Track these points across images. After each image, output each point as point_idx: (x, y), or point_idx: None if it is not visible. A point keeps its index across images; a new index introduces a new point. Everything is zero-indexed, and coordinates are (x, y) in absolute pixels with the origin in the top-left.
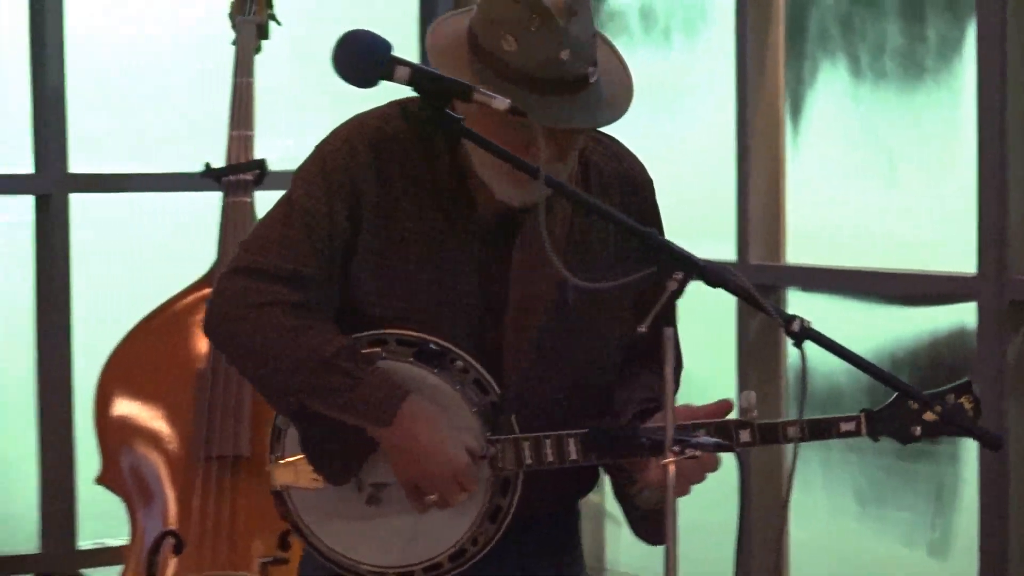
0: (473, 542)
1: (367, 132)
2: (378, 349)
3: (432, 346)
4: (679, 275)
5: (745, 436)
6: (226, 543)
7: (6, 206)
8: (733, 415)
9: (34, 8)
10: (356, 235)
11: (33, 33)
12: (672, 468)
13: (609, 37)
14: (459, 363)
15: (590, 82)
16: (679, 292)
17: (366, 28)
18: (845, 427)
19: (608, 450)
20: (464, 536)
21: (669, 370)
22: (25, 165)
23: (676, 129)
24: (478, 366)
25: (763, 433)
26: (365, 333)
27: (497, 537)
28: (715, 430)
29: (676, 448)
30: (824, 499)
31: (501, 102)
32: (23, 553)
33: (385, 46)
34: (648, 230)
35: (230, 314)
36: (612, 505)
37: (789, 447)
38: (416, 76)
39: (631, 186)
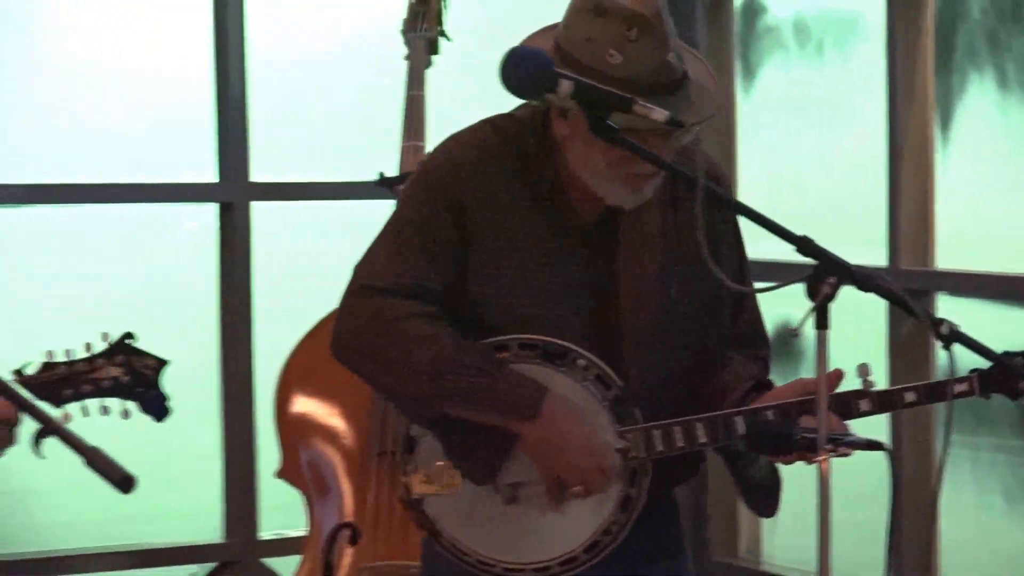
0: (606, 532)
1: (465, 150)
2: (506, 355)
3: (553, 347)
4: (832, 280)
5: (865, 405)
6: (399, 534)
7: (192, 213)
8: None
9: (218, 25)
10: (466, 248)
11: (217, 49)
12: (826, 466)
13: (765, 52)
14: (581, 361)
15: (688, 77)
16: (832, 296)
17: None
18: (959, 388)
19: (764, 443)
20: (599, 528)
21: (822, 369)
22: (210, 175)
23: (830, 139)
24: (600, 362)
25: (882, 400)
26: (489, 340)
27: (628, 526)
28: (836, 402)
29: (829, 446)
30: (973, 497)
31: (660, 113)
32: (208, 543)
33: (548, 61)
34: (803, 236)
35: (363, 332)
36: None
37: (939, 446)
38: (579, 89)
39: (713, 181)
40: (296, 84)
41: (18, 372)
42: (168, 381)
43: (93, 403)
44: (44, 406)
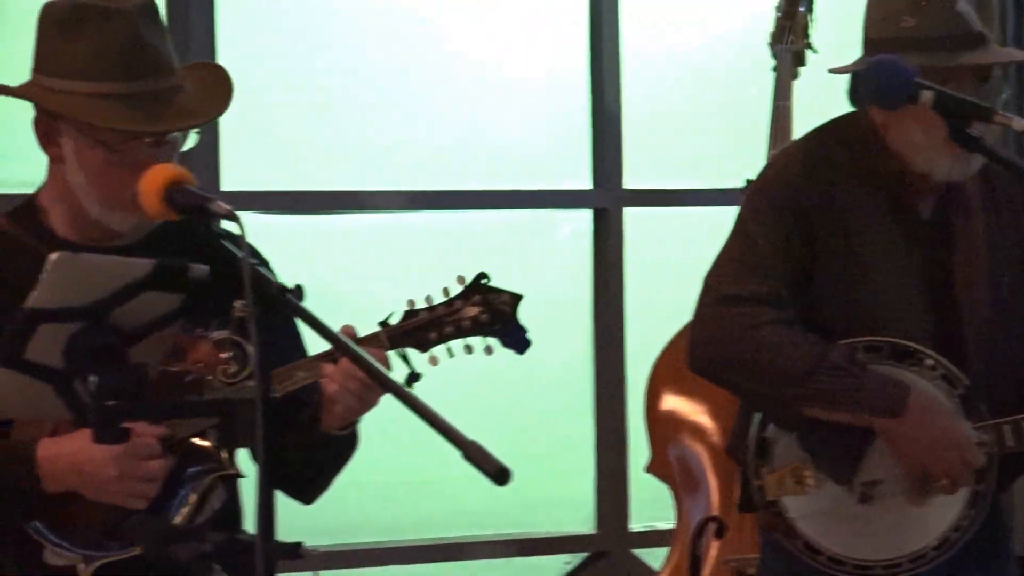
0: (955, 529)
1: (799, 159)
2: (861, 355)
3: (900, 347)
4: None
5: None
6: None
7: (568, 219)
8: None
9: (593, 36)
10: (812, 254)
11: (593, 60)
12: None
13: None
14: (928, 361)
15: (987, 40)
16: None
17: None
18: None
19: None
20: (949, 524)
21: None
22: (584, 182)
23: None
24: (946, 361)
25: None
26: (841, 342)
27: (977, 523)
28: None
29: None
30: None
31: (1020, 123)
32: (581, 533)
33: (911, 72)
34: None
35: (723, 341)
36: None
37: None
38: (940, 99)
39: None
40: (667, 93)
41: (384, 323)
42: (544, 378)
43: (456, 344)
44: (412, 353)
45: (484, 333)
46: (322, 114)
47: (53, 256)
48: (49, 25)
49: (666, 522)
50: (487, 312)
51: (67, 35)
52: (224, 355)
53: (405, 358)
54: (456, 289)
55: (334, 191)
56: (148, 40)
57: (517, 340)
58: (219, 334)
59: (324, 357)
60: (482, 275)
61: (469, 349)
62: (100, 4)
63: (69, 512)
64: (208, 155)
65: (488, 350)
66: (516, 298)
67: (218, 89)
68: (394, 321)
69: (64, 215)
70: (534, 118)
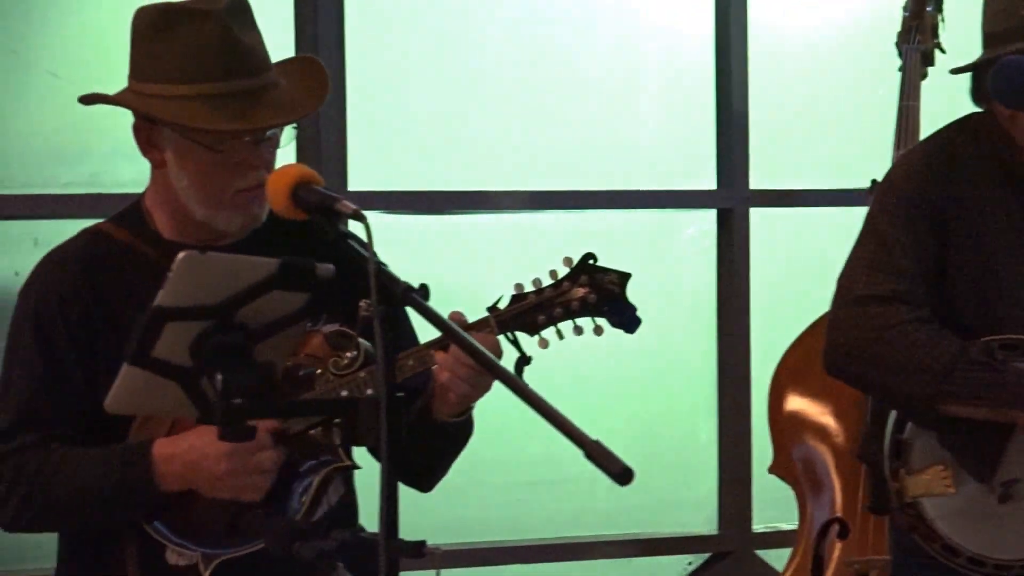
0: None
1: (928, 159)
2: (999, 352)
3: None
4: None
5: None
6: (888, 531)
7: (692, 219)
8: None
9: (719, 38)
10: (943, 253)
11: (719, 63)
12: None
13: None
14: None
15: None
16: None
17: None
18: None
19: None
20: None
21: None
22: (709, 182)
23: None
24: None
25: None
26: (976, 341)
27: None
28: None
29: None
30: None
31: None
32: (704, 534)
33: None
34: None
35: (863, 340)
36: None
37: None
38: None
39: None
40: (793, 94)
41: (493, 308)
42: (668, 378)
43: (566, 325)
44: (522, 337)
45: (593, 313)
46: (448, 114)
47: (181, 255)
48: (141, 30)
49: (789, 523)
50: (595, 292)
51: (159, 39)
52: (348, 353)
53: (515, 342)
54: (563, 271)
55: (459, 191)
56: (240, 38)
57: (626, 319)
58: (329, 327)
59: (434, 345)
60: (589, 255)
61: (579, 330)
62: (190, 6)
63: (189, 511)
64: (336, 155)
65: (598, 330)
66: (624, 277)
67: (314, 83)
68: (503, 305)
69: (169, 217)
70: (659, 118)
